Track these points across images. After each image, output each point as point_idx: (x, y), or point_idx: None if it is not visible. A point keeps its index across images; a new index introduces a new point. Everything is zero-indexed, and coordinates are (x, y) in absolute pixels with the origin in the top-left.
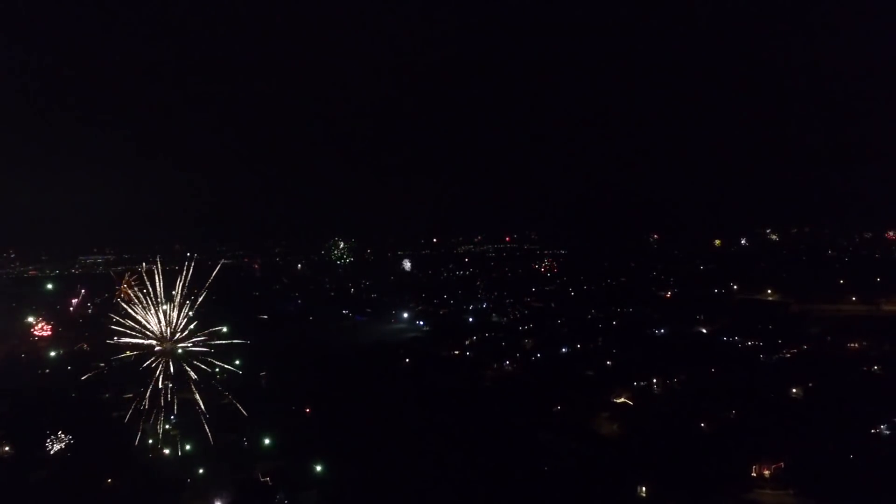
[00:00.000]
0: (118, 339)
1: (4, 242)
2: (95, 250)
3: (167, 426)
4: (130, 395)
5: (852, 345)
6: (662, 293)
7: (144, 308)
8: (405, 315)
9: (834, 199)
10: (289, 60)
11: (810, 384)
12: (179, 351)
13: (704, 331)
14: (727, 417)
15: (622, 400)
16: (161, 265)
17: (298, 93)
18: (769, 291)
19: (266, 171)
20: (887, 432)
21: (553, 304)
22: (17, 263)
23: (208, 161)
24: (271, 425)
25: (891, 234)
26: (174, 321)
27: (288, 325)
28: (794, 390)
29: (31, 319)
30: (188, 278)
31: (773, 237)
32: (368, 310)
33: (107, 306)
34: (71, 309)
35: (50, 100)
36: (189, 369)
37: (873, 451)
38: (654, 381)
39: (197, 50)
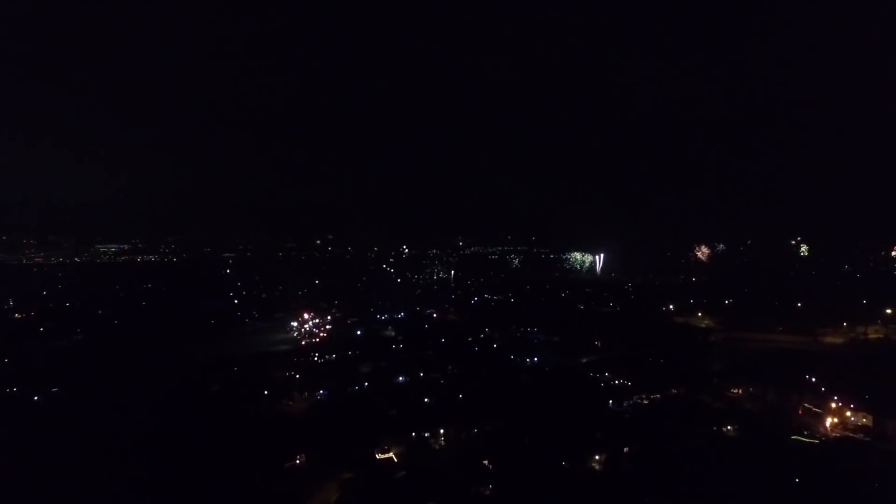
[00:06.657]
0: None
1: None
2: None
3: None
4: None
5: (735, 391)
6: (604, 309)
7: None
8: (294, 324)
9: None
10: (297, 59)
11: (625, 449)
12: None
13: (585, 360)
14: (479, 493)
15: (389, 455)
16: None
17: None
18: (700, 315)
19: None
20: None
21: (468, 318)
22: (33, 250)
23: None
24: None
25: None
26: None
27: (183, 327)
28: (596, 456)
29: None
30: None
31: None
32: (279, 315)
33: None
34: None
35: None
36: None
37: None
38: (442, 431)
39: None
